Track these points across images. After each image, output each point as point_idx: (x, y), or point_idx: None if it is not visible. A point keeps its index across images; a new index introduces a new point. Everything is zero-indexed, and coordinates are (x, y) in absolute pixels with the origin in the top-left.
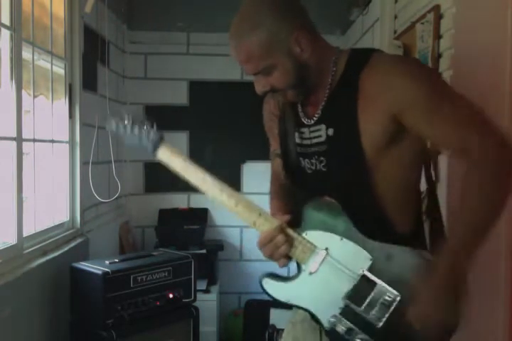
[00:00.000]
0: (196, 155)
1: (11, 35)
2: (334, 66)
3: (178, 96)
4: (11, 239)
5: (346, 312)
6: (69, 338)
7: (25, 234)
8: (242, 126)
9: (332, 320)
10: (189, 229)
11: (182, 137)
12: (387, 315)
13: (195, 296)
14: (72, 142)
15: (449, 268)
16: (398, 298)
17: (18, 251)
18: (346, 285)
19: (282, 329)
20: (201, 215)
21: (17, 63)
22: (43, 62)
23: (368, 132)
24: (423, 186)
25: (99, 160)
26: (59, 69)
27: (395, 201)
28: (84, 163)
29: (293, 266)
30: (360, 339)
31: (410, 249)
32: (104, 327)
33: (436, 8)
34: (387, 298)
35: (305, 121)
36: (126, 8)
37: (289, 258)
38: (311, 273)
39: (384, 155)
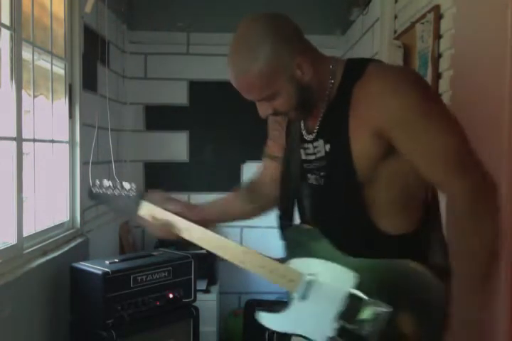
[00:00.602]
0: (196, 155)
1: (11, 35)
2: (333, 78)
3: (178, 96)
4: (11, 239)
5: (342, 332)
6: (69, 338)
7: (25, 234)
8: (242, 126)
9: None
10: None
11: (182, 137)
12: (380, 329)
13: (195, 296)
14: (72, 142)
15: (464, 316)
16: (388, 311)
17: (18, 251)
18: (337, 306)
19: None
20: None
21: (17, 63)
22: (43, 62)
23: (360, 149)
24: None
25: (99, 160)
26: (59, 69)
27: (395, 208)
28: (84, 163)
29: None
30: None
31: (395, 260)
32: (104, 327)
33: (436, 8)
34: (378, 312)
35: (306, 137)
36: (126, 8)
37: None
38: (301, 300)
39: (381, 168)
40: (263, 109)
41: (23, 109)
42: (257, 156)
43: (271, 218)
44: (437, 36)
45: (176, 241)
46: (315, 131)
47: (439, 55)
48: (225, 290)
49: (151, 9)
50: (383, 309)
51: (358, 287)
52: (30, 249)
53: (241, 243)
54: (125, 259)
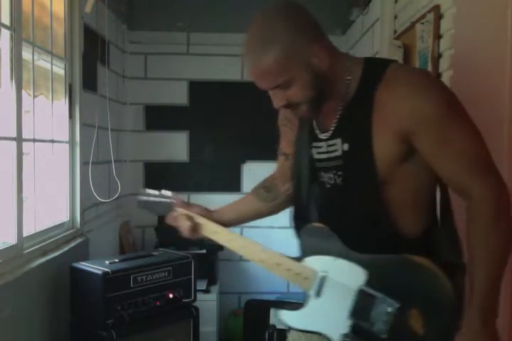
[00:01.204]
0: (196, 155)
1: (11, 35)
2: (349, 75)
3: (178, 96)
4: (11, 239)
5: (356, 329)
6: (69, 338)
7: (25, 234)
8: (242, 126)
9: (344, 339)
10: None
11: (182, 137)
12: (391, 326)
13: (195, 296)
14: (72, 142)
15: (483, 325)
16: (399, 307)
17: (18, 251)
18: (349, 303)
19: (282, 330)
20: None
21: (17, 63)
22: (43, 62)
23: (382, 151)
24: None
25: (99, 160)
26: (59, 70)
27: (409, 209)
28: (84, 163)
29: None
30: None
31: (404, 255)
32: (104, 327)
33: (436, 8)
34: (388, 309)
35: (321, 135)
36: (126, 8)
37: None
38: (316, 298)
39: (399, 170)
40: (278, 99)
41: (23, 109)
42: (257, 156)
43: (271, 218)
44: (437, 36)
45: (175, 241)
46: (331, 129)
47: (439, 55)
48: (225, 290)
49: (151, 9)
50: (394, 305)
51: (369, 284)
52: (30, 249)
53: None
54: (125, 259)
